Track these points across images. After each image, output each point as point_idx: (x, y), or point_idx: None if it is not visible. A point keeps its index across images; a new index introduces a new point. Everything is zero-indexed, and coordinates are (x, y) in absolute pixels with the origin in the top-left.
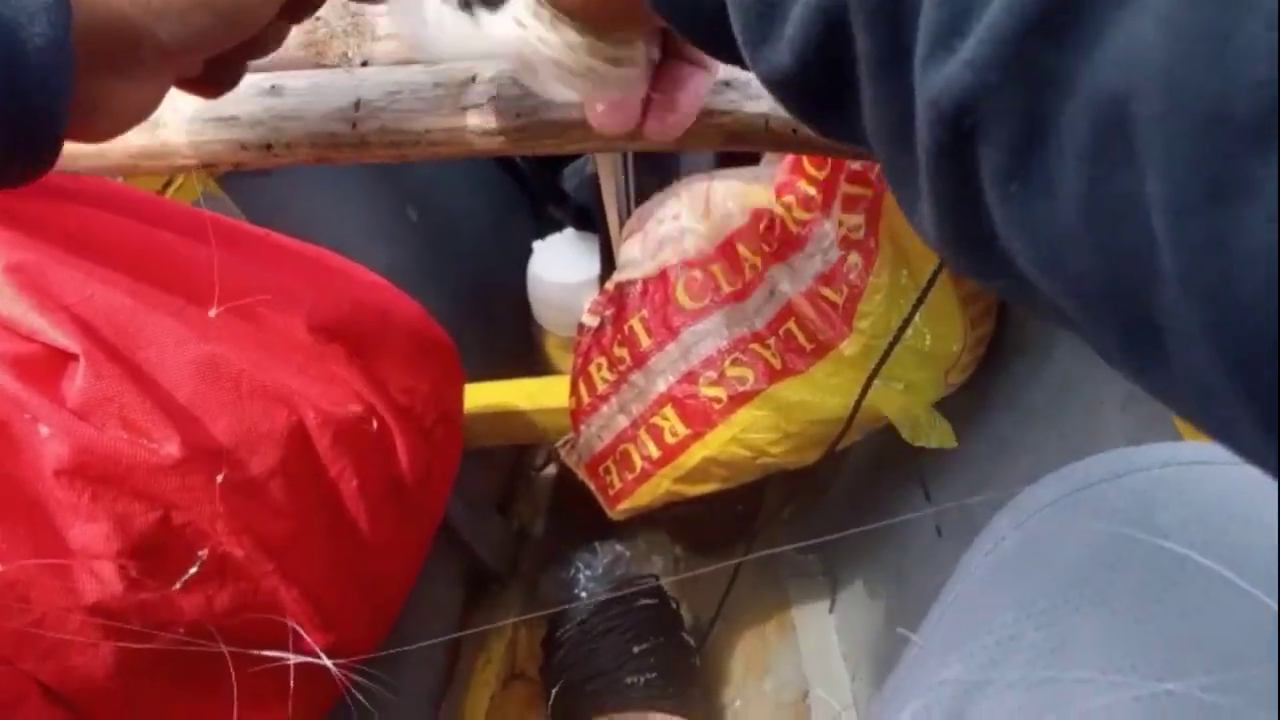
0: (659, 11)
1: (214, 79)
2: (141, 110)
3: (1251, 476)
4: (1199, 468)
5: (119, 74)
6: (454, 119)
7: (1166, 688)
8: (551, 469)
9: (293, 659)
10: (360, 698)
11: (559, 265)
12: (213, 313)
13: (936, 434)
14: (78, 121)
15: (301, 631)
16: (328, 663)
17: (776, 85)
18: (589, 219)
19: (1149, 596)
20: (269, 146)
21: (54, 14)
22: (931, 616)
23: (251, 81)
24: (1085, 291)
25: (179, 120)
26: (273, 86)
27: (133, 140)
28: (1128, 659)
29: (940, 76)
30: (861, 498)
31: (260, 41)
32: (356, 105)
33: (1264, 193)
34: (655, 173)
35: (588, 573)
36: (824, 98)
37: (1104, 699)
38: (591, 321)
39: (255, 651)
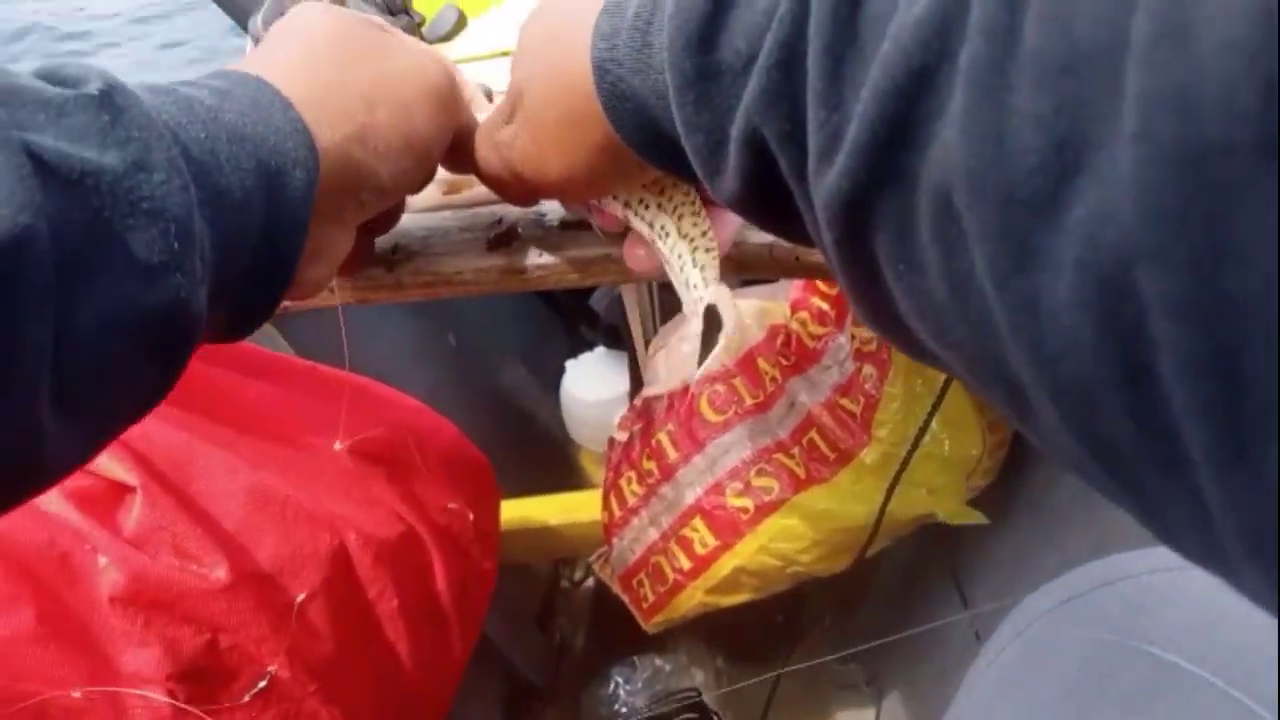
0: (649, 161)
1: (367, 245)
2: (341, 258)
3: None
4: (1187, 571)
5: (338, 221)
6: (481, 260)
7: None
8: (590, 582)
9: None
10: None
11: (591, 382)
12: (338, 446)
13: (967, 513)
14: (299, 270)
15: None
16: None
17: (737, 206)
18: (619, 338)
19: (1138, 704)
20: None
21: (308, 163)
22: None
23: None
24: (966, 358)
25: None
26: None
27: None
28: None
29: (824, 186)
30: (900, 604)
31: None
32: (394, 250)
33: (1052, 259)
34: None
35: (628, 688)
36: (775, 209)
37: None
38: (621, 436)
39: None
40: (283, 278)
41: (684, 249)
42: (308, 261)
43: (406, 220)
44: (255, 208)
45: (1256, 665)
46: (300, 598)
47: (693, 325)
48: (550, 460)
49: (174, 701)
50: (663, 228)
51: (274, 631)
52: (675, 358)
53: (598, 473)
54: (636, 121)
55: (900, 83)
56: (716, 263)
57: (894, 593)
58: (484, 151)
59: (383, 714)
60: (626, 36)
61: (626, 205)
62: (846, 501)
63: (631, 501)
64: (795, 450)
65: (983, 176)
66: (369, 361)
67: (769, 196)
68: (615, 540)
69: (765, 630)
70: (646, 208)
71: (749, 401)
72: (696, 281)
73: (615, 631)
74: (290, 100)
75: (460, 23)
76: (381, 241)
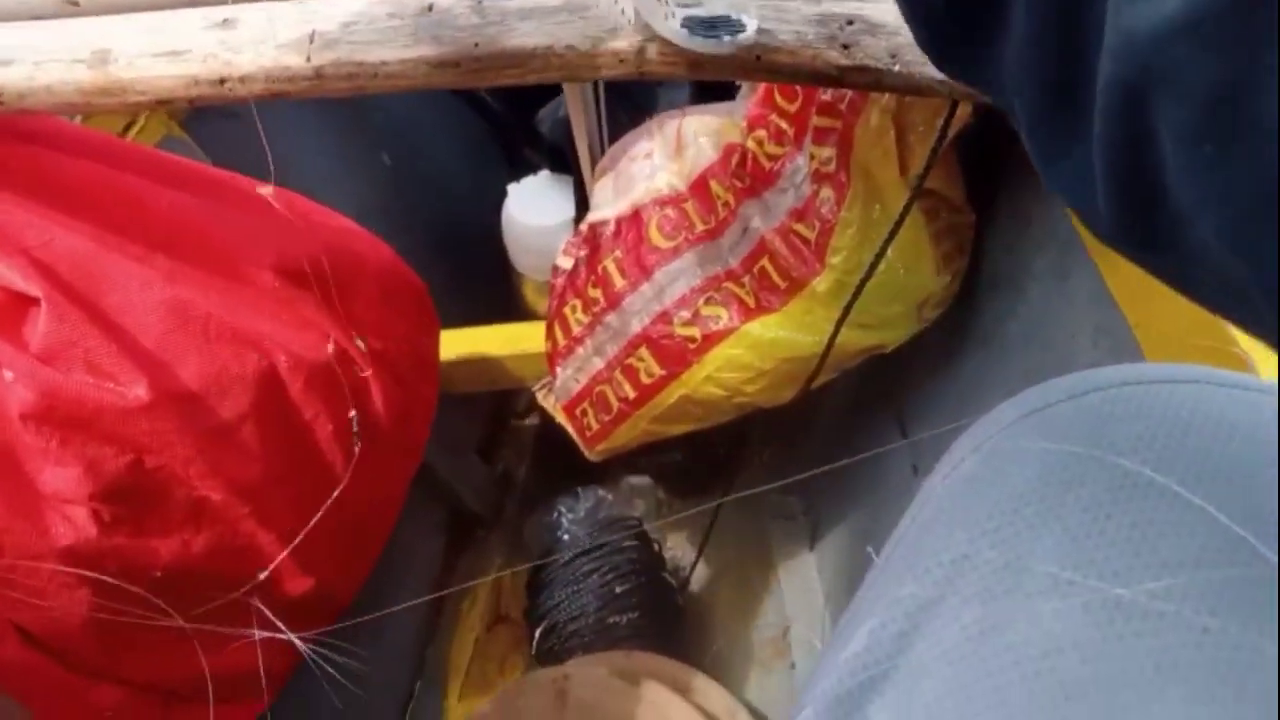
0: None
1: None
2: None
3: (1212, 392)
4: (1159, 386)
5: None
6: (410, 50)
7: (1116, 592)
8: (534, 417)
9: (259, 635)
10: (344, 646)
11: (534, 207)
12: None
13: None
14: None
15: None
16: (291, 639)
17: (924, 19)
18: (564, 160)
19: (1100, 511)
20: (222, 81)
21: None
22: (892, 539)
23: (203, 14)
24: None
25: (128, 55)
26: (225, 20)
27: (82, 77)
28: (1078, 570)
29: (1144, 8)
30: (840, 439)
31: None
32: (311, 38)
33: None
34: (628, 110)
35: (570, 516)
36: (965, 27)
37: (1054, 604)
38: (565, 263)
39: (225, 630)
40: None
41: None
42: None
43: (323, 5)
44: None
45: (1223, 474)
46: (228, 419)
47: (681, 42)
48: (491, 288)
49: (100, 518)
50: None
51: (201, 453)
52: (623, 179)
53: (541, 303)
54: None
55: None
56: None
57: (836, 427)
58: None
59: (321, 539)
60: None
61: None
62: (796, 331)
63: (576, 330)
64: (746, 279)
65: None
66: (296, 177)
67: (971, 11)
68: (559, 369)
69: (706, 464)
70: None
71: (700, 227)
72: (664, 13)
73: (559, 464)
74: None
75: None
76: (295, 28)
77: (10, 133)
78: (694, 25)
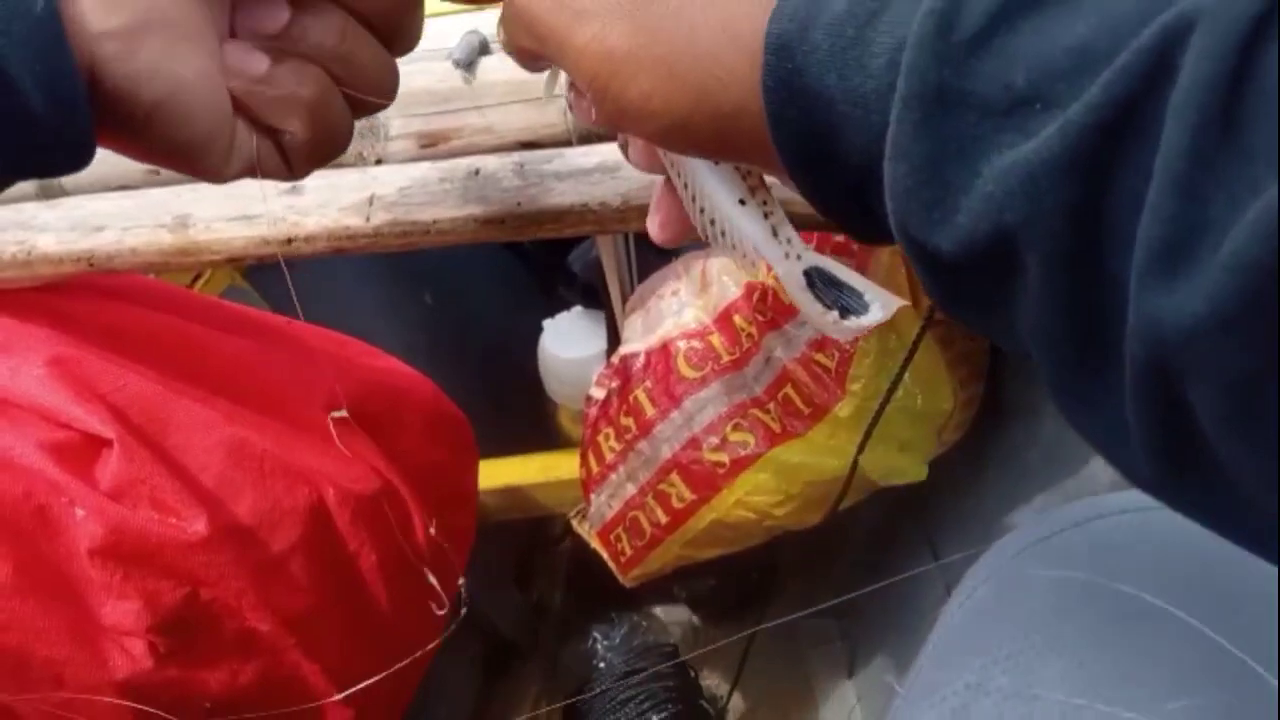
0: (794, 177)
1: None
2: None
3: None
4: (1158, 512)
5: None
6: (459, 210)
7: (1125, 717)
8: (568, 543)
9: None
10: None
11: (568, 341)
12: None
13: (911, 472)
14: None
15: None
16: None
17: (929, 268)
18: (595, 297)
19: (1104, 637)
20: (289, 240)
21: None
22: (914, 668)
23: (274, 182)
24: None
25: (206, 220)
26: (293, 186)
27: (164, 240)
28: (1085, 695)
29: (1168, 301)
30: (872, 562)
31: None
32: (370, 201)
33: None
34: (655, 252)
35: (606, 643)
36: (981, 287)
37: None
38: (599, 394)
39: None
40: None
41: (788, 233)
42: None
43: (383, 171)
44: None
45: (1224, 601)
46: (279, 551)
47: (796, 289)
48: (527, 418)
49: (156, 651)
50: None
51: (253, 585)
52: (653, 315)
53: (575, 430)
54: (802, 123)
55: None
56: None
57: (866, 550)
58: (537, 9)
59: (363, 669)
60: (832, 22)
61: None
62: (820, 455)
63: (609, 458)
64: (770, 405)
65: None
66: (345, 318)
67: (986, 273)
68: (593, 496)
69: (740, 589)
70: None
71: (725, 358)
72: (790, 237)
73: (593, 591)
74: None
75: None
76: (356, 192)
77: (94, 289)
78: (817, 279)
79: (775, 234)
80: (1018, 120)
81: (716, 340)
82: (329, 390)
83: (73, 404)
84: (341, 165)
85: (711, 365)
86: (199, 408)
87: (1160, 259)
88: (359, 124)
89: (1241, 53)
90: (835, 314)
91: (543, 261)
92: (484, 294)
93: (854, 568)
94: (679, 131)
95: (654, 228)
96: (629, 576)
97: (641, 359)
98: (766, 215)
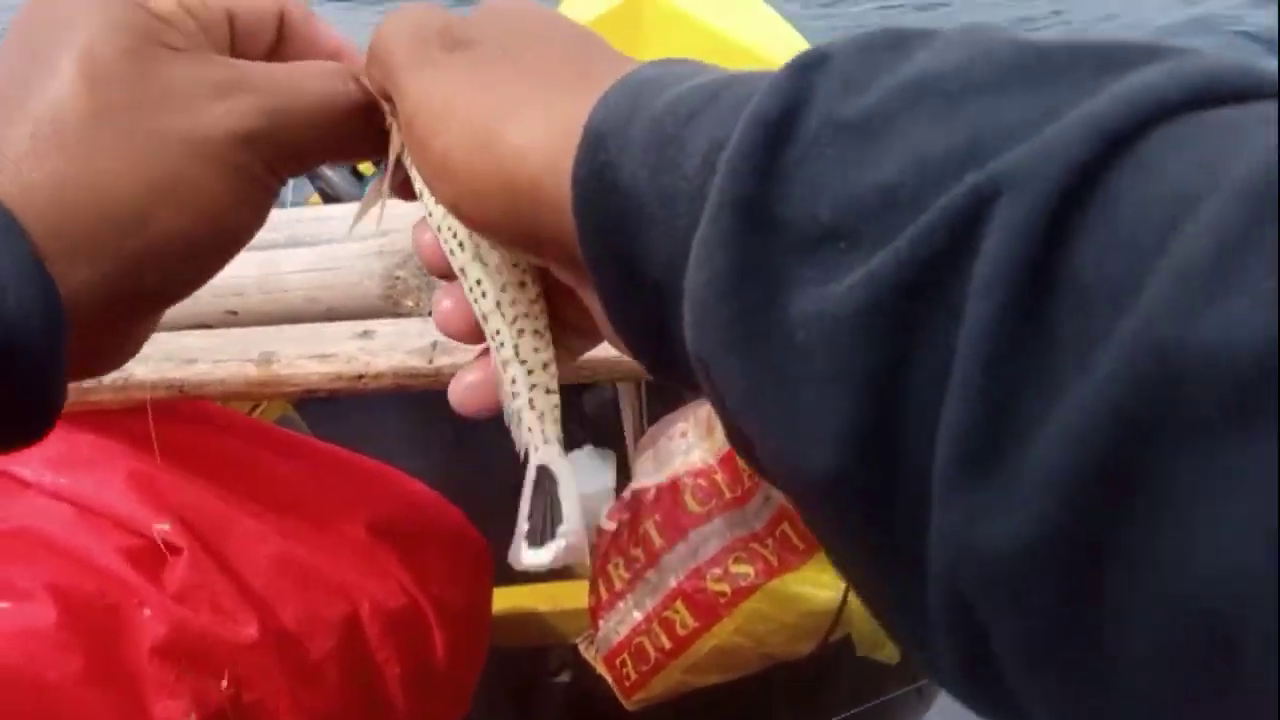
0: (592, 275)
1: None
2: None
3: None
4: None
5: (118, 345)
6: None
7: None
8: (565, 675)
9: None
10: None
11: (579, 476)
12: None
13: (886, 650)
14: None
15: None
16: None
17: (717, 394)
18: (606, 437)
19: None
20: (360, 377)
21: (47, 333)
22: None
23: (350, 326)
24: None
25: (289, 357)
26: (365, 331)
27: (250, 373)
28: None
29: (971, 512)
30: (857, 691)
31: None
32: (434, 345)
33: None
34: (664, 399)
35: None
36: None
37: None
38: (609, 525)
39: None
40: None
41: (519, 375)
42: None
43: None
44: None
45: None
46: (315, 658)
47: (527, 479)
48: None
49: None
50: (497, 333)
51: (291, 688)
52: (662, 454)
53: (580, 565)
54: (608, 218)
55: (1130, 417)
56: (557, 411)
57: (852, 681)
58: (395, 39)
59: None
60: (652, 119)
61: (463, 271)
62: (814, 587)
63: (618, 586)
64: (769, 540)
65: None
66: (377, 446)
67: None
68: (601, 622)
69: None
70: (484, 294)
71: (728, 495)
72: (531, 426)
73: None
74: (21, 222)
75: None
76: (421, 338)
77: (167, 412)
78: (545, 480)
79: (519, 416)
80: (822, 256)
81: (720, 479)
82: (368, 510)
83: (148, 514)
84: (400, 314)
85: (716, 501)
86: (253, 522)
87: (965, 459)
88: (418, 279)
89: (1047, 233)
90: (525, 529)
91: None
92: (501, 428)
93: (841, 694)
94: (471, 199)
95: (459, 387)
96: (632, 700)
97: (652, 493)
98: (514, 396)
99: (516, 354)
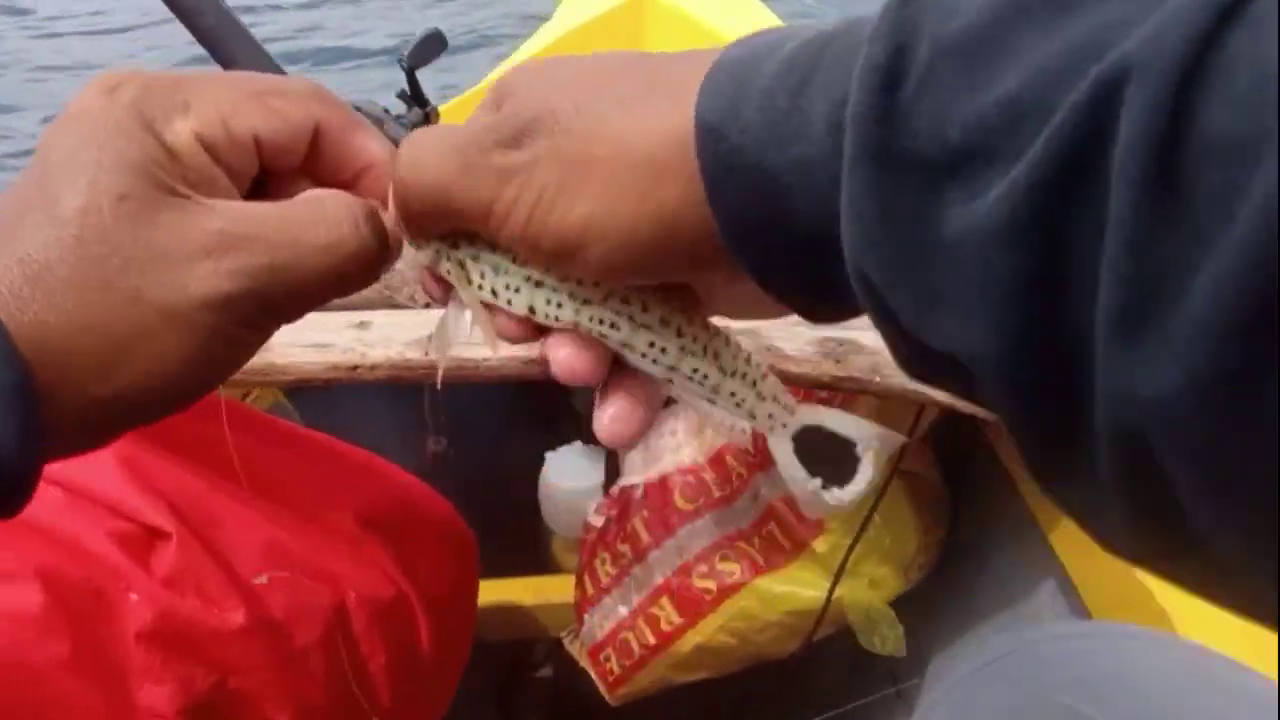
0: (741, 254)
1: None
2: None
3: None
4: (1084, 639)
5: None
6: (507, 350)
7: None
8: (549, 670)
9: None
10: None
11: (569, 473)
12: None
13: (890, 642)
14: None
15: None
16: None
17: (893, 329)
18: (595, 434)
19: None
20: (355, 368)
21: (22, 445)
22: None
23: (346, 317)
24: None
25: (283, 345)
26: (361, 322)
27: None
28: None
29: (1135, 369)
30: (838, 691)
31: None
32: (430, 338)
33: None
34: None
35: None
36: (935, 373)
37: None
38: (597, 521)
39: None
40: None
41: (739, 388)
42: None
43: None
44: None
45: (1140, 711)
46: (301, 647)
47: (782, 451)
48: (521, 543)
49: None
50: (695, 371)
51: (277, 676)
52: (652, 452)
53: (566, 558)
54: (745, 198)
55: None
56: (780, 386)
57: (833, 682)
58: (448, 174)
59: None
60: (762, 95)
61: (627, 345)
62: (798, 586)
63: (604, 581)
64: (755, 539)
65: None
66: (365, 436)
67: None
68: (587, 617)
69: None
70: (664, 350)
71: (717, 494)
72: (773, 411)
73: (571, 718)
74: (12, 342)
75: None
76: (417, 330)
77: None
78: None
79: (754, 415)
80: (962, 177)
81: (709, 477)
82: (357, 500)
83: (138, 498)
84: (396, 305)
85: (704, 499)
86: (243, 508)
87: (1122, 324)
88: (414, 272)
89: (1177, 103)
90: (817, 483)
91: (547, 396)
92: (491, 423)
93: (821, 699)
94: (626, 250)
95: (605, 422)
96: (615, 695)
97: (640, 490)
98: (739, 403)
99: (724, 372)
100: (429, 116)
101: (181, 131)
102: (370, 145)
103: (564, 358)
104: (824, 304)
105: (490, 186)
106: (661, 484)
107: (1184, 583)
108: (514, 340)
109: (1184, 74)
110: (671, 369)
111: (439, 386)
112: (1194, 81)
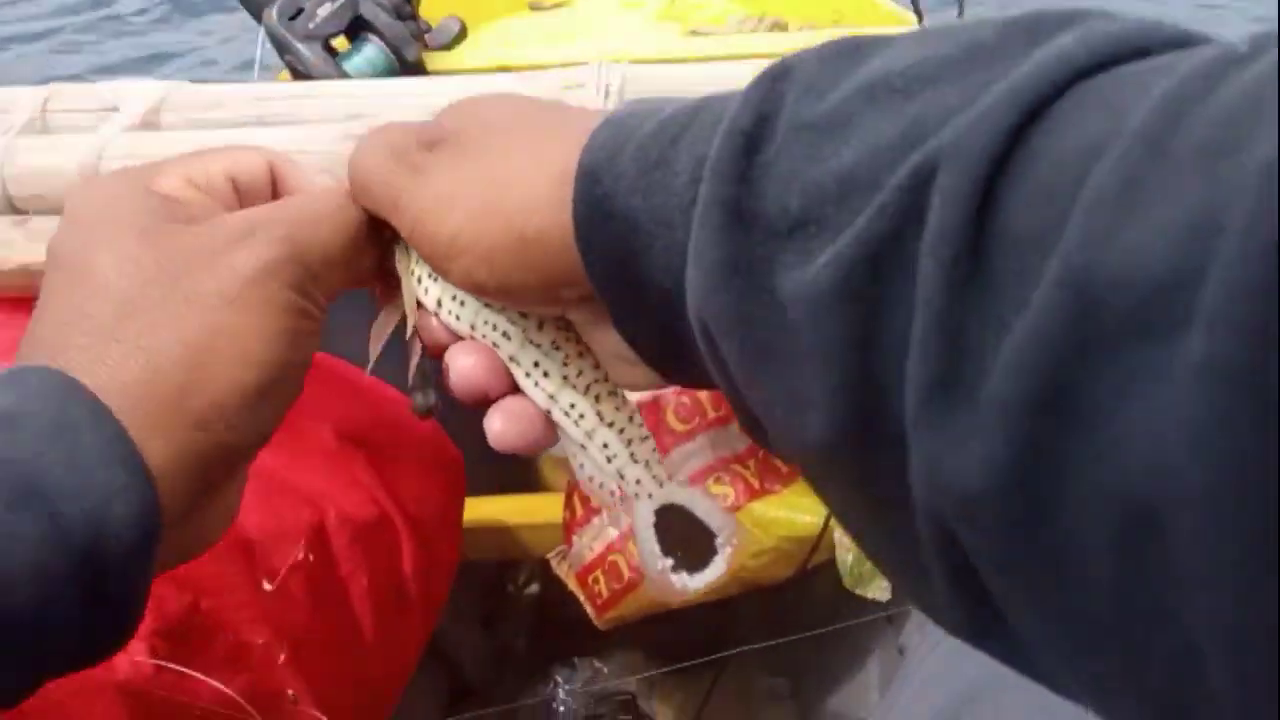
0: (605, 302)
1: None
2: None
3: None
4: None
5: (207, 503)
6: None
7: None
8: (534, 588)
9: None
10: None
11: None
12: None
13: (874, 586)
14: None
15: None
16: None
17: (724, 374)
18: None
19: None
20: None
21: (141, 518)
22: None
23: None
24: (1109, 688)
25: None
26: None
27: None
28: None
29: (940, 446)
30: (828, 621)
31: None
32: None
33: None
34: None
35: (567, 687)
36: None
37: None
38: None
39: None
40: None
41: (611, 439)
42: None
43: None
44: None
45: None
46: (279, 568)
47: (641, 523)
48: (508, 459)
49: (156, 654)
50: (572, 406)
51: (253, 599)
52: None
53: (554, 476)
54: (611, 245)
55: (1067, 341)
56: (657, 456)
57: (825, 618)
58: (375, 160)
59: (343, 690)
60: (637, 148)
61: (514, 360)
62: (795, 512)
63: (594, 502)
64: (751, 463)
65: (1236, 516)
66: (349, 348)
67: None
68: (575, 538)
69: (700, 643)
70: (546, 374)
71: (712, 414)
72: (640, 477)
73: (557, 638)
74: (103, 402)
75: (461, 34)
76: None
77: None
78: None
79: (623, 475)
80: (797, 242)
81: (704, 397)
82: (339, 414)
83: None
84: None
85: (699, 420)
86: None
87: (929, 400)
88: None
89: (981, 193)
90: (669, 563)
91: None
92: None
93: (810, 625)
94: (485, 269)
95: (496, 427)
96: (604, 619)
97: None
98: (610, 458)
99: (601, 419)
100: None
101: (172, 179)
102: (318, 178)
103: (463, 366)
104: (677, 360)
105: (399, 183)
106: (655, 404)
107: (1007, 663)
108: (432, 354)
109: (989, 166)
110: (551, 398)
111: (368, 373)
112: (997, 174)
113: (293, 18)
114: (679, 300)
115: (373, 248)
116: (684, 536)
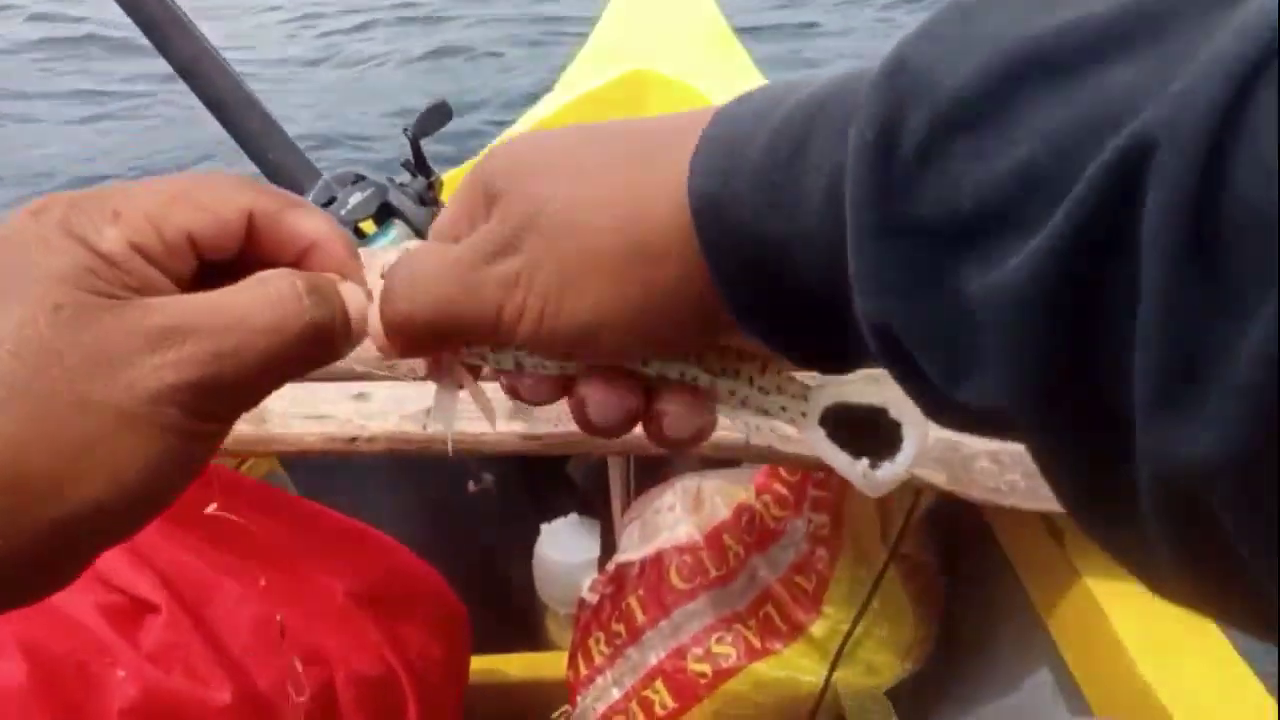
0: (748, 322)
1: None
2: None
3: None
4: None
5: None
6: (505, 425)
7: None
8: None
9: None
10: None
11: (564, 546)
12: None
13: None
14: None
15: None
16: None
17: (920, 390)
18: (592, 506)
19: None
20: (353, 439)
21: None
22: None
23: (342, 388)
24: None
25: (282, 416)
26: (360, 393)
27: (242, 431)
28: None
29: (1179, 436)
30: None
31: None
32: (428, 411)
33: None
34: (651, 470)
35: None
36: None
37: None
38: (592, 599)
39: None
40: None
41: (736, 386)
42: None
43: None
44: None
45: None
46: None
47: (815, 435)
48: (514, 619)
49: None
50: (732, 392)
51: None
52: (649, 528)
53: (559, 635)
54: (748, 270)
55: None
56: (789, 375)
57: None
58: (451, 292)
59: None
60: (754, 173)
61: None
62: (795, 672)
63: (598, 661)
64: (752, 621)
65: None
66: (358, 508)
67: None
68: (579, 698)
69: None
70: (718, 372)
71: (714, 573)
72: (785, 405)
73: None
74: None
75: None
76: (415, 404)
77: None
78: (832, 420)
79: (767, 412)
80: (977, 245)
81: (705, 556)
82: (351, 574)
83: (128, 570)
84: (395, 378)
85: (700, 579)
86: (234, 583)
87: (1162, 393)
88: None
89: (1209, 171)
90: (865, 463)
91: (541, 468)
92: (486, 495)
93: None
94: (637, 333)
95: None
96: None
97: (636, 567)
98: (743, 402)
99: (713, 373)
100: (432, 185)
101: (113, 239)
102: (308, 223)
103: (599, 398)
104: (835, 359)
105: (495, 298)
106: (657, 561)
107: (1240, 625)
108: (542, 402)
109: (1210, 149)
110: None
111: (450, 455)
112: (1225, 149)
113: (326, 204)
114: (836, 314)
115: (323, 355)
116: (861, 430)
